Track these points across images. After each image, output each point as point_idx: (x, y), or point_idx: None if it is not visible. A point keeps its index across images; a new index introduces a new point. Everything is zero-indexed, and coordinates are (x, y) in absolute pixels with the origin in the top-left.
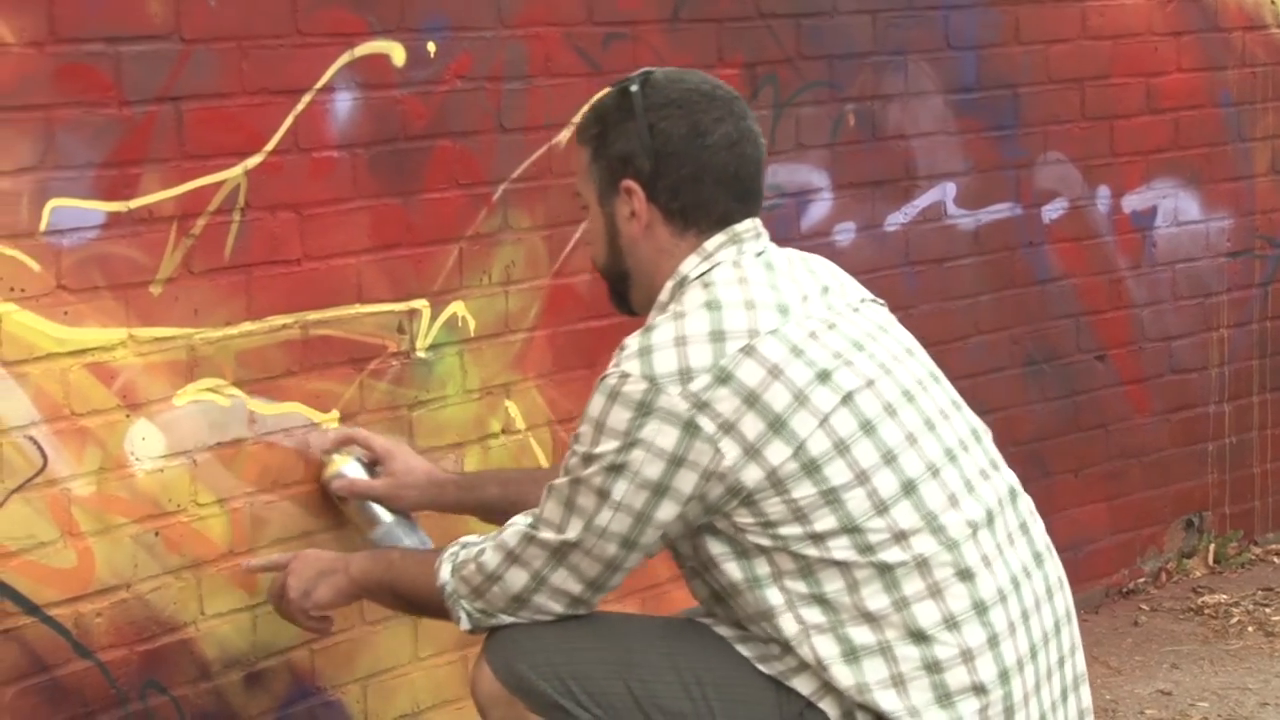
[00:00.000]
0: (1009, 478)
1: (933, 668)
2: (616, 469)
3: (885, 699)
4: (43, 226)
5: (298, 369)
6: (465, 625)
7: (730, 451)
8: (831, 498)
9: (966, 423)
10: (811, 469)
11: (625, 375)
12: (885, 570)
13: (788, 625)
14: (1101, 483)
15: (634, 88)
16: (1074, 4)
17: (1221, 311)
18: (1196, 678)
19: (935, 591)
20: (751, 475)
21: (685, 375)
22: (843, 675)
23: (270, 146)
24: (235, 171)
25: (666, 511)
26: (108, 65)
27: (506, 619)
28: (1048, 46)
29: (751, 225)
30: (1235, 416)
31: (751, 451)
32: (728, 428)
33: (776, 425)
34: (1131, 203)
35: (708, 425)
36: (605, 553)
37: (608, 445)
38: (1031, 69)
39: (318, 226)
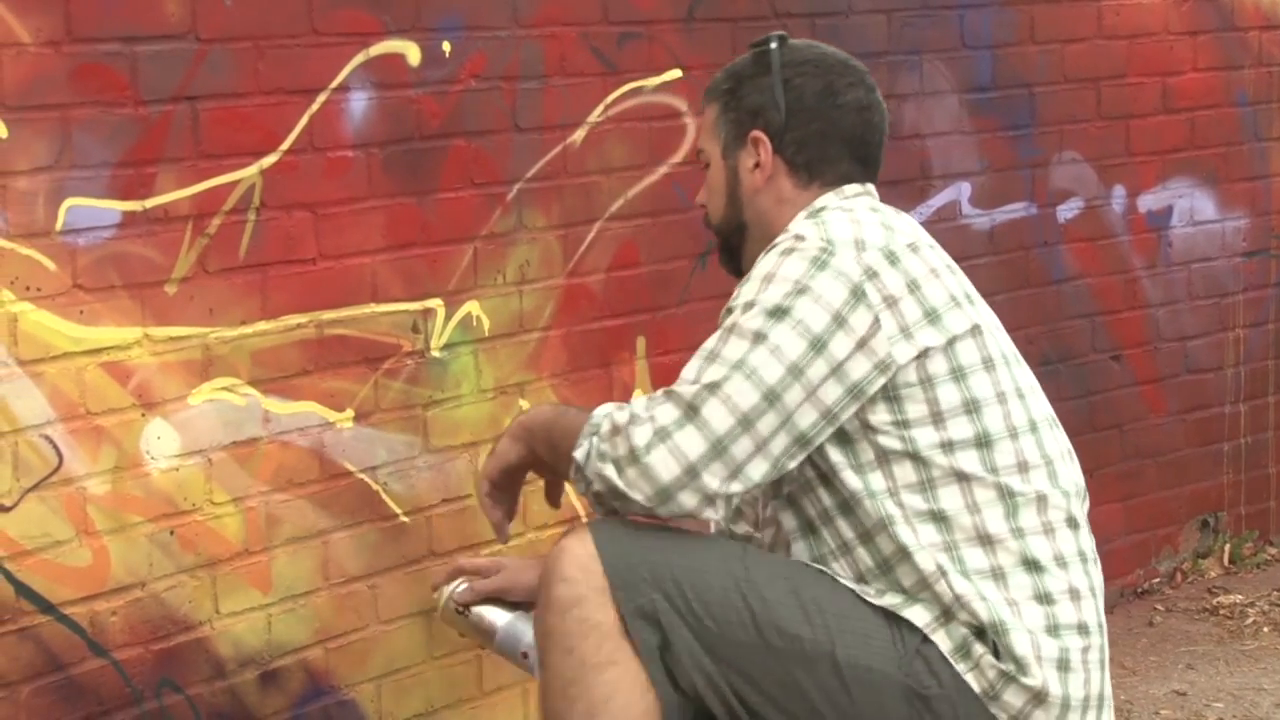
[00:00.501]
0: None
1: (1043, 598)
2: (781, 312)
3: (1004, 612)
4: (59, 226)
5: (313, 368)
6: (579, 454)
7: (888, 325)
8: (973, 407)
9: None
10: (959, 375)
11: (801, 237)
12: (1008, 495)
13: (906, 535)
14: (1117, 483)
15: (773, 45)
16: (1090, 3)
17: (1237, 311)
18: (1212, 678)
19: (1048, 530)
20: (904, 352)
21: (860, 244)
22: (960, 584)
23: (285, 146)
24: (250, 171)
25: (817, 371)
26: (124, 65)
27: (610, 472)
28: (1063, 46)
29: (861, 189)
30: (1251, 417)
31: (907, 331)
32: (891, 302)
33: (932, 316)
34: (1147, 202)
35: (873, 294)
36: (745, 401)
37: (777, 290)
38: (1047, 68)
39: (333, 226)
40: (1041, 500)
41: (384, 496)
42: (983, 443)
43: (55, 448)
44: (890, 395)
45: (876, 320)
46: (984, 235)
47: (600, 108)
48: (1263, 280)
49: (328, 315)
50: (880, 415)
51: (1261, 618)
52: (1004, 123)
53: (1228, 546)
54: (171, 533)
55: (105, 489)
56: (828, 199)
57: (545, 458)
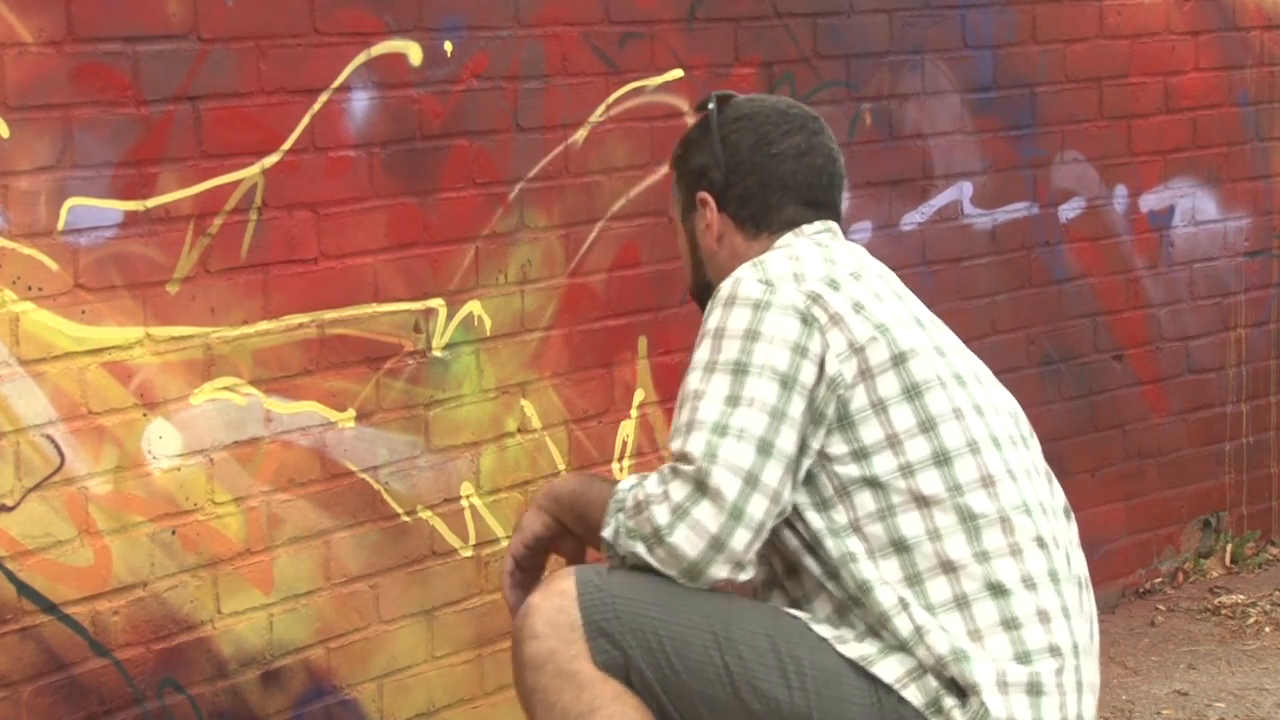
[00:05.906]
0: (1063, 496)
1: (1009, 623)
2: (742, 367)
3: (964, 643)
4: (60, 225)
5: (314, 368)
6: (607, 533)
7: (837, 342)
8: (929, 425)
9: (1027, 430)
10: (912, 393)
11: (739, 280)
12: (969, 518)
13: (867, 570)
14: (1118, 483)
15: (710, 105)
16: (1092, 3)
17: (1239, 311)
18: (1213, 678)
19: (1015, 551)
20: (850, 369)
21: (799, 277)
22: (920, 616)
23: (287, 146)
24: (252, 171)
25: (796, 407)
26: (125, 65)
27: (641, 550)
28: (1065, 46)
29: (822, 226)
30: (1253, 416)
31: (856, 348)
32: (837, 320)
33: (882, 330)
34: (1149, 202)
35: (820, 315)
36: (744, 460)
37: (731, 347)
38: (1049, 68)
39: (334, 226)
40: (1006, 521)
41: (385, 496)
42: (942, 460)
43: (57, 447)
44: (845, 423)
45: (826, 339)
46: (986, 235)
47: (602, 107)
48: (1264, 280)
49: (329, 315)
50: (837, 446)
51: (1263, 617)
52: (1006, 122)
53: (1229, 546)
54: (173, 532)
55: (107, 489)
56: (786, 239)
57: (574, 528)
